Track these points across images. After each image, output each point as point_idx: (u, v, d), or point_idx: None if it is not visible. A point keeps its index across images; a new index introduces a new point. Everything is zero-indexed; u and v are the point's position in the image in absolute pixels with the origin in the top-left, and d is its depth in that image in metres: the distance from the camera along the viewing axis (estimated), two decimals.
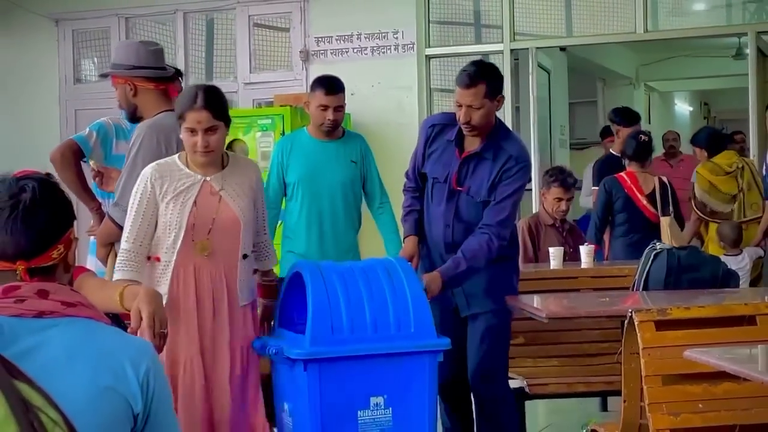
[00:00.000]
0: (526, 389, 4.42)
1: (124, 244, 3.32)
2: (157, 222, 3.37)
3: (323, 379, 3.60)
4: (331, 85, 4.57)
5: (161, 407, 1.94)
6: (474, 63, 3.96)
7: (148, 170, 3.36)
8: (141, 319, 2.92)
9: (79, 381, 1.83)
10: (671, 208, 6.04)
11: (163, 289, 3.34)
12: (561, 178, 5.95)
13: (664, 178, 6.17)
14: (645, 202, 6.02)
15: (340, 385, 3.64)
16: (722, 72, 11.79)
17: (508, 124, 8.37)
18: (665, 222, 6.01)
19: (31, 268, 1.93)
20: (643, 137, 6.29)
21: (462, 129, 3.78)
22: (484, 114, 3.71)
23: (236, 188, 3.41)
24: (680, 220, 6.29)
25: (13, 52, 9.66)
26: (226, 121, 3.38)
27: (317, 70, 8.34)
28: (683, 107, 14.97)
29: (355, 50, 8.57)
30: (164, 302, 3.16)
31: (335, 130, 4.57)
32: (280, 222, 5.17)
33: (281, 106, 7.87)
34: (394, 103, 8.35)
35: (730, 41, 9.86)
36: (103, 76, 5.13)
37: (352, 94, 7.32)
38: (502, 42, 8.44)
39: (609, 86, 12.10)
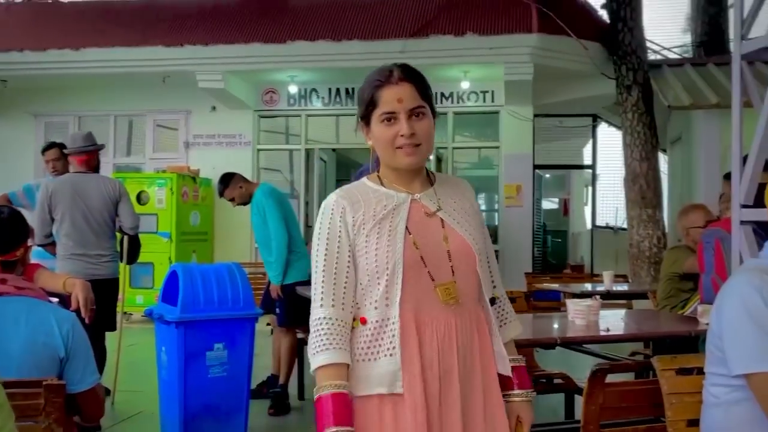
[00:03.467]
0: None
1: (318, 311, 1.72)
2: (356, 268, 1.74)
3: (186, 333, 3.99)
4: None
5: (79, 352, 2.09)
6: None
7: (331, 198, 1.80)
8: (78, 301, 2.52)
9: (23, 338, 2.01)
10: None
11: (381, 368, 1.69)
12: None
13: None
14: None
15: (196, 336, 4.01)
16: None
17: (301, 198, 10.49)
18: None
19: (1, 260, 2.09)
20: None
21: None
22: None
23: (457, 209, 1.84)
24: None
25: (3, 135, 10.82)
26: (433, 108, 1.80)
27: (194, 153, 10.49)
28: None
29: (216, 144, 10.50)
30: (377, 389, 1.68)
31: None
32: None
33: (171, 172, 9.47)
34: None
35: None
36: (66, 153, 5.00)
37: (213, 168, 9.78)
38: (300, 144, 10.59)
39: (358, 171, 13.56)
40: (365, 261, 1.73)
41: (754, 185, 3.25)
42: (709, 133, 8.31)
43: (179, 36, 9.65)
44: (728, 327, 1.93)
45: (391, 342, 1.69)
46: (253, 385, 4.82)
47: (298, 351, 5.35)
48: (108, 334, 4.87)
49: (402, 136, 1.73)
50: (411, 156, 1.74)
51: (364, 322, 1.73)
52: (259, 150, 10.66)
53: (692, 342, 3.44)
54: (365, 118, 1.80)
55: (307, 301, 4.84)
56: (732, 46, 3.45)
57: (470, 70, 9.56)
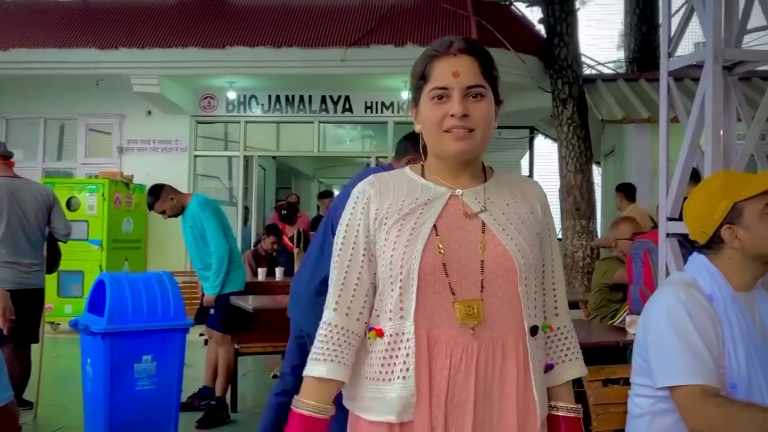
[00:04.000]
0: None
1: (324, 314, 1.50)
2: (377, 270, 1.48)
3: (114, 345, 3.93)
4: None
5: None
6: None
7: (359, 185, 1.53)
8: None
9: None
10: (302, 245, 7.03)
11: (393, 391, 1.42)
12: (275, 231, 7.56)
13: (301, 228, 7.74)
14: (287, 239, 7.79)
15: (124, 347, 3.97)
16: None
17: (240, 204, 10.29)
18: (295, 252, 7.26)
19: None
20: (283, 211, 7.95)
21: None
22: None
23: (507, 212, 1.49)
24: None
25: None
26: (497, 93, 1.49)
27: (128, 159, 10.27)
28: None
29: (152, 149, 10.32)
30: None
31: None
32: None
33: (103, 178, 9.31)
34: (175, 182, 9.22)
35: (363, 160, 11.25)
36: None
37: (148, 174, 9.67)
38: (239, 150, 10.53)
39: (298, 179, 13.84)
40: (382, 262, 1.46)
41: (680, 199, 3.34)
42: (641, 147, 8.55)
43: (114, 38, 9.44)
44: (653, 339, 1.95)
45: (405, 363, 1.42)
46: (185, 398, 4.73)
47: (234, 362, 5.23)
48: (32, 345, 4.78)
49: (452, 116, 1.42)
50: (461, 141, 1.43)
51: (380, 334, 1.45)
52: (196, 156, 10.56)
53: (621, 352, 3.51)
54: (416, 96, 1.50)
55: (242, 312, 4.90)
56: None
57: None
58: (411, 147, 3.09)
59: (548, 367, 1.55)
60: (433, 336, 1.41)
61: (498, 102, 1.49)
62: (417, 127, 1.51)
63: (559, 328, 1.58)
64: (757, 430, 1.71)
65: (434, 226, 1.44)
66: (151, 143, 10.36)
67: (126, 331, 3.95)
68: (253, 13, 10.02)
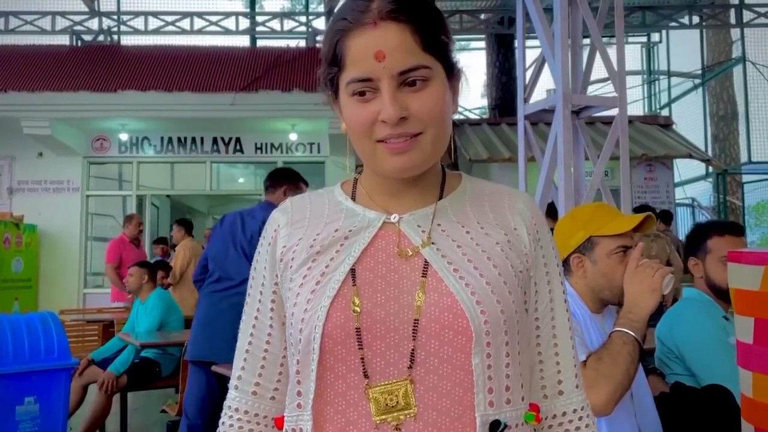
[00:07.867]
0: None
1: (230, 391, 1.03)
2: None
3: None
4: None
5: None
6: None
7: (272, 213, 1.04)
8: None
9: None
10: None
11: None
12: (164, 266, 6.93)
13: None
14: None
15: (4, 389, 3.68)
16: None
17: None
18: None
19: None
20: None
21: None
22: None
23: (466, 243, 0.93)
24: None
25: None
26: (449, 65, 0.93)
27: (19, 199, 9.60)
28: None
29: (43, 189, 9.69)
30: None
31: None
32: None
33: None
34: (67, 222, 9.52)
35: (255, 197, 10.21)
36: None
37: (39, 214, 9.23)
38: (132, 190, 10.01)
39: (193, 216, 12.61)
40: (289, 322, 0.95)
41: None
42: (505, 183, 8.81)
43: (3, 81, 8.81)
44: None
45: None
46: None
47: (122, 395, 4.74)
48: None
49: (383, 122, 0.88)
50: (401, 155, 0.89)
51: (279, 425, 0.96)
52: (88, 196, 9.96)
53: None
54: (333, 83, 0.94)
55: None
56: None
57: (297, 124, 9.53)
58: (283, 175, 2.81)
59: None
60: None
61: (451, 75, 0.94)
62: (343, 127, 0.96)
63: (565, 414, 0.98)
64: (628, 357, 1.67)
65: (352, 270, 0.91)
66: (43, 184, 9.74)
67: (6, 373, 3.65)
68: (145, 59, 9.72)
